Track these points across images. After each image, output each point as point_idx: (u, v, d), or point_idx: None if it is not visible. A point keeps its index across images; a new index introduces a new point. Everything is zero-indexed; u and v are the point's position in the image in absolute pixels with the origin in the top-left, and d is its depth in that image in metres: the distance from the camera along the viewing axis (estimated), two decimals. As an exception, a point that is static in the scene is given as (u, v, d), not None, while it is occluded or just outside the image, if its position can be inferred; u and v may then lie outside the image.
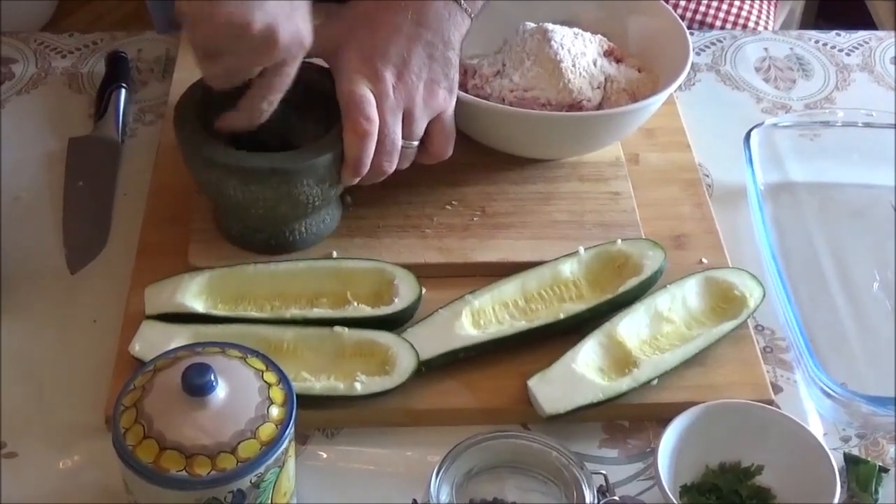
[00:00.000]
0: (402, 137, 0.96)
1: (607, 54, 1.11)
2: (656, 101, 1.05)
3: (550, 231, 1.04)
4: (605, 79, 1.08)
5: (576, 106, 1.05)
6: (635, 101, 1.06)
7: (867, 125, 1.16)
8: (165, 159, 1.09)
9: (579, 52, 1.07)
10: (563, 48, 1.06)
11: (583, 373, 0.90)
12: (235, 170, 0.92)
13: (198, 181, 0.97)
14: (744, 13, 1.65)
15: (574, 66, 1.06)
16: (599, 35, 1.12)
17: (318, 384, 0.88)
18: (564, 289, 0.98)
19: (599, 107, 1.07)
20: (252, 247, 1.00)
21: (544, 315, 0.95)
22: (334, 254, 1.00)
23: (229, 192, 0.93)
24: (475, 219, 1.04)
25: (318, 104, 0.98)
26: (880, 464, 0.90)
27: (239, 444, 0.73)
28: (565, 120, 1.04)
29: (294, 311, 0.94)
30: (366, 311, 0.94)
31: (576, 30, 1.09)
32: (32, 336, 0.96)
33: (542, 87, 1.05)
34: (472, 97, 1.03)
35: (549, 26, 1.08)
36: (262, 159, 0.92)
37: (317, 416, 0.89)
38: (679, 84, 1.05)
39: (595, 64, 1.08)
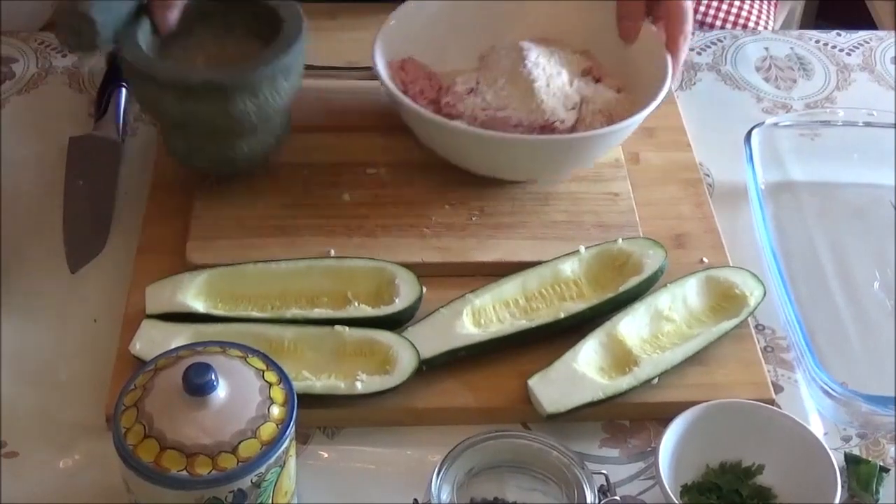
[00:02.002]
0: None
1: (585, 74, 1.08)
2: (631, 125, 1.01)
3: (549, 231, 1.03)
4: (581, 100, 1.05)
5: (548, 127, 1.03)
6: (611, 122, 1.03)
7: (868, 125, 1.16)
8: (165, 158, 1.09)
9: (554, 72, 1.05)
10: (537, 67, 1.04)
11: (583, 372, 0.90)
12: (170, 84, 0.93)
13: (138, 99, 1.00)
14: (744, 13, 1.65)
15: (548, 85, 1.03)
16: (578, 54, 1.09)
17: (318, 383, 0.88)
18: (565, 288, 0.98)
19: (574, 128, 1.04)
20: (197, 164, 1.01)
21: (545, 314, 0.95)
22: (332, 252, 1.00)
23: (167, 108, 0.95)
24: (474, 218, 1.04)
25: (267, 24, 0.99)
26: (881, 463, 0.90)
27: (240, 443, 0.73)
28: (533, 143, 1.01)
29: (295, 311, 0.94)
30: (367, 311, 0.94)
31: (553, 48, 1.07)
32: (32, 336, 0.96)
33: (514, 107, 1.03)
34: (437, 117, 1.01)
35: (525, 44, 1.06)
36: (197, 73, 0.95)
37: (317, 415, 0.89)
38: (656, 106, 1.02)
39: (571, 84, 1.06)
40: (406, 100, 1.02)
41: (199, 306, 0.93)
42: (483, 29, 1.12)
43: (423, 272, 0.97)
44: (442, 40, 1.13)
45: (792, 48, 1.33)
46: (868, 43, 1.34)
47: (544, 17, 1.14)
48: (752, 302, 0.97)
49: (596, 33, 1.13)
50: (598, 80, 1.09)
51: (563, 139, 1.02)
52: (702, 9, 1.56)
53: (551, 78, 1.04)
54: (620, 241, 1.00)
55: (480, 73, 1.07)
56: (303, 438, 0.90)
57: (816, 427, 0.92)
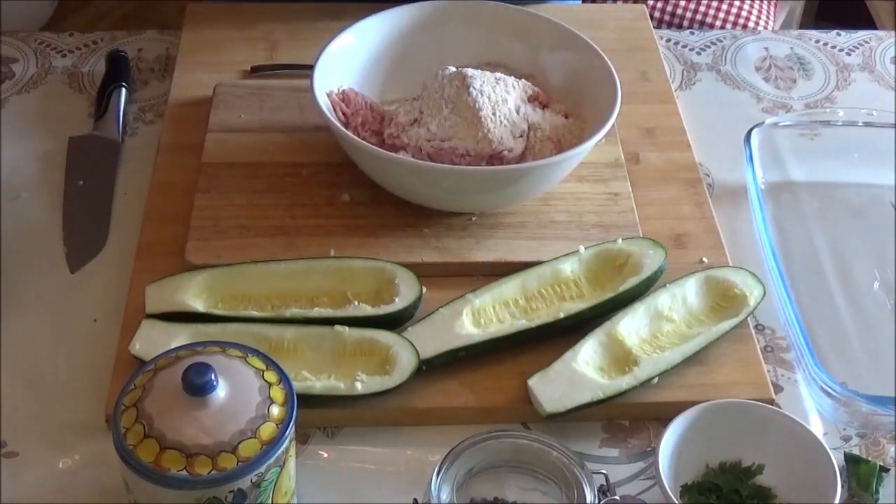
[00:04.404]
0: None
1: (531, 100, 1.06)
2: (581, 151, 0.99)
3: (548, 231, 1.03)
4: (529, 127, 1.03)
5: (496, 157, 1.00)
6: (560, 149, 1.02)
7: (867, 125, 1.16)
8: (165, 159, 1.10)
9: (500, 99, 1.01)
10: (482, 95, 1.00)
11: (583, 371, 0.90)
12: None
13: None
14: (744, 13, 1.65)
15: (494, 114, 1.00)
16: (523, 80, 1.07)
17: (318, 383, 0.88)
18: (565, 287, 0.98)
19: (522, 156, 1.02)
20: None
21: (545, 314, 0.95)
22: (332, 252, 1.00)
23: None
24: (473, 218, 1.04)
25: None
26: (881, 463, 0.90)
27: (239, 443, 0.73)
28: (483, 174, 0.98)
29: (294, 311, 0.94)
30: (367, 310, 0.94)
31: (498, 74, 1.04)
32: (32, 336, 0.96)
33: (460, 137, 1.00)
34: (378, 149, 0.98)
35: (469, 71, 1.02)
36: None
37: (317, 415, 0.89)
38: (606, 131, 0.99)
39: (518, 111, 1.03)
40: (347, 133, 0.99)
41: (199, 306, 0.93)
42: (424, 56, 1.10)
43: (423, 272, 0.97)
44: (382, 69, 1.11)
45: (792, 48, 1.33)
46: (868, 43, 1.34)
47: (487, 43, 1.12)
48: (752, 302, 0.97)
49: (540, 58, 1.11)
50: (544, 106, 1.07)
51: (515, 169, 0.99)
52: (702, 9, 1.56)
53: (497, 105, 1.01)
54: (620, 241, 1.00)
55: (423, 102, 1.04)
56: (303, 438, 0.90)
57: (816, 427, 0.92)
